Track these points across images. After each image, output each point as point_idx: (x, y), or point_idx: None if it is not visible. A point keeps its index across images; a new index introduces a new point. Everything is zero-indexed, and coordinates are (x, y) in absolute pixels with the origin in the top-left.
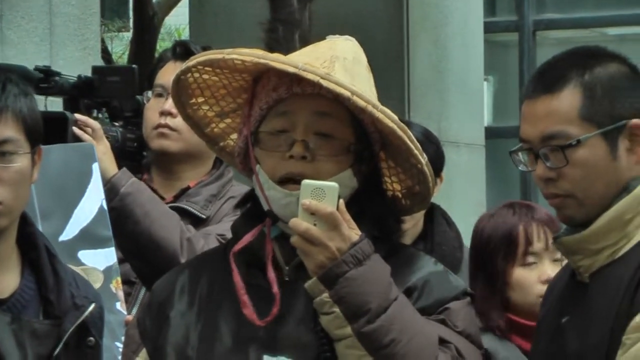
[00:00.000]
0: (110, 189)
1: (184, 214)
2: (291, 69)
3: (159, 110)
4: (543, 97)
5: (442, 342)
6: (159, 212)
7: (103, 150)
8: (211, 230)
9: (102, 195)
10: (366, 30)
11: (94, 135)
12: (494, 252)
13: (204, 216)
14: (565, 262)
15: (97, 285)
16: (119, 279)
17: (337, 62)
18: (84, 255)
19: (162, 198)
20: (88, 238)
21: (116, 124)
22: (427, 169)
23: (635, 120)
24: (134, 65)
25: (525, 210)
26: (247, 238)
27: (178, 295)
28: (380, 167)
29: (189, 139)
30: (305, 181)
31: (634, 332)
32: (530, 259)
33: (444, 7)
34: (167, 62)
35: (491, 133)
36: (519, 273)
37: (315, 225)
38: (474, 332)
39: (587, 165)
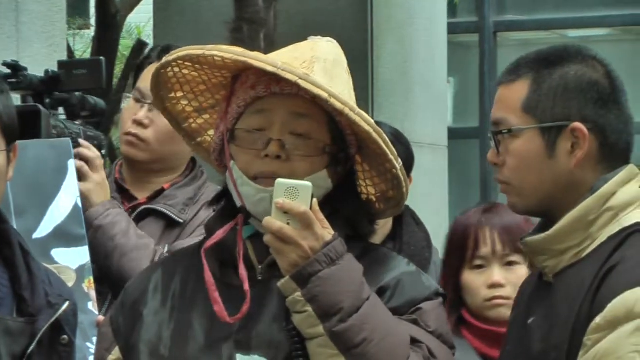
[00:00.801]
0: (86, 220)
1: (160, 216)
2: (270, 68)
3: (131, 117)
4: (503, 85)
5: (414, 342)
6: (131, 245)
7: (98, 180)
8: (187, 243)
9: (77, 193)
10: (331, 30)
11: (92, 165)
12: (450, 251)
13: (181, 220)
14: (513, 267)
15: (69, 284)
16: (91, 278)
17: (317, 64)
18: (58, 253)
19: (135, 198)
20: (62, 236)
21: (77, 122)
22: (401, 174)
23: (576, 123)
24: (101, 57)
25: (487, 214)
26: (219, 234)
27: (152, 293)
28: (356, 170)
29: (157, 151)
30: (279, 180)
31: (595, 333)
32: (478, 262)
33: (409, 7)
34: (152, 64)
35: (452, 134)
36: (468, 275)
37: (288, 224)
38: (445, 332)
39: (520, 156)
